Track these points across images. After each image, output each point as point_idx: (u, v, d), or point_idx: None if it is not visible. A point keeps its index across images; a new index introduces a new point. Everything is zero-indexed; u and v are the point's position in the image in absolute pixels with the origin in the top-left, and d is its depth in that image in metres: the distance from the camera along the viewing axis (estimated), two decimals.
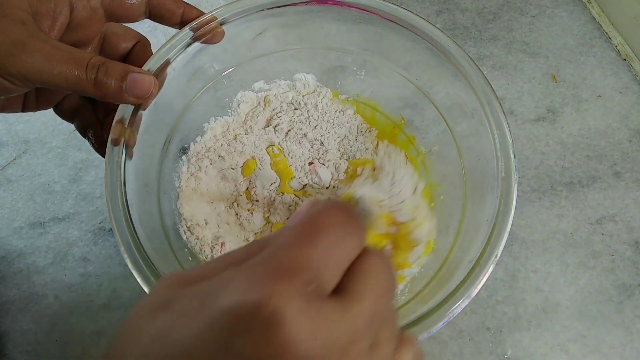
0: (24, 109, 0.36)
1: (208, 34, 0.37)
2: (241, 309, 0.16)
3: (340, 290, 0.19)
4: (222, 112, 0.45)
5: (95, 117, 0.37)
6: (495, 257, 0.31)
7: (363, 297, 0.18)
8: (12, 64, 0.28)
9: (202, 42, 0.38)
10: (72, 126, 0.53)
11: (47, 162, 0.52)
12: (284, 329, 0.16)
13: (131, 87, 0.32)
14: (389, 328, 0.20)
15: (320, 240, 0.19)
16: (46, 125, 0.53)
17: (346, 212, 0.20)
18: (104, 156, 0.36)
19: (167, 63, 0.36)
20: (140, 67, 0.36)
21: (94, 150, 0.50)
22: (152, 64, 0.36)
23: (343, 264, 0.19)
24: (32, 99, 0.36)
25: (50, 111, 0.55)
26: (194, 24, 0.37)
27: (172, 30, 0.37)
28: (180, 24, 0.37)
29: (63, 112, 0.37)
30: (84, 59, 0.30)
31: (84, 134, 0.37)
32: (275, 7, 0.39)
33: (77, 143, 0.53)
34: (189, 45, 0.37)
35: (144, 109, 0.35)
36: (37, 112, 0.52)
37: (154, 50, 0.37)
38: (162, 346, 0.16)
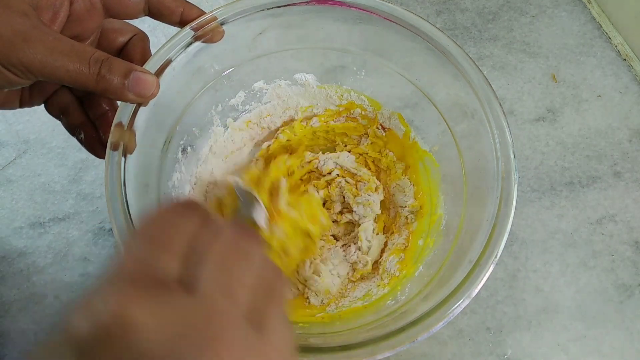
0: (21, 104, 0.36)
1: (208, 34, 0.37)
2: (91, 331, 0.16)
3: (186, 275, 0.19)
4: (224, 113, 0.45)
5: (85, 116, 0.37)
6: (495, 257, 0.31)
7: (203, 272, 0.18)
8: (14, 54, 0.28)
9: (202, 42, 0.38)
10: None
11: (47, 162, 0.52)
12: (132, 336, 0.16)
13: (133, 85, 0.32)
14: (269, 299, 0.20)
15: (152, 233, 0.19)
16: (46, 125, 0.53)
17: (177, 203, 0.21)
18: (94, 154, 0.36)
19: (167, 63, 0.36)
20: (137, 59, 0.36)
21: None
22: (152, 64, 0.36)
23: (180, 248, 0.19)
24: (27, 93, 0.36)
25: None
26: (194, 23, 0.37)
27: (172, 30, 0.37)
28: (180, 23, 0.37)
29: (53, 108, 0.37)
30: (86, 53, 0.30)
31: (72, 132, 0.37)
32: (275, 7, 0.39)
33: (77, 143, 0.52)
34: (189, 45, 0.37)
35: (144, 105, 0.36)
36: (37, 112, 0.51)
37: (153, 50, 0.37)
38: None
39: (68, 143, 0.53)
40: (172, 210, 0.21)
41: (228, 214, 0.42)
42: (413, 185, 0.46)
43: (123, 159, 0.33)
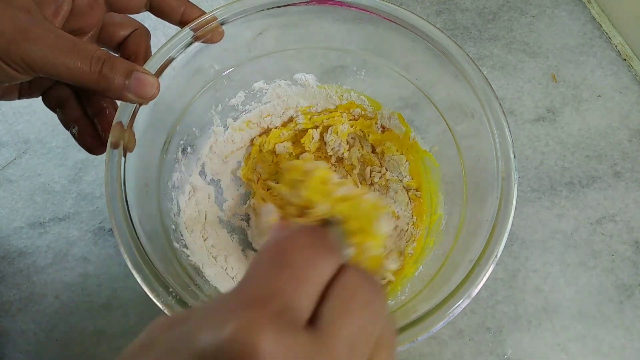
0: (20, 96, 0.36)
1: (208, 34, 0.37)
2: (210, 346, 0.16)
3: (315, 318, 0.18)
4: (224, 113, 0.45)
5: (81, 111, 0.36)
6: (495, 257, 0.31)
7: (339, 322, 0.18)
8: (15, 51, 0.28)
9: (202, 42, 0.38)
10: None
11: (47, 162, 0.52)
12: None
13: (135, 85, 0.32)
14: (385, 349, 0.19)
15: (290, 265, 0.18)
16: (46, 125, 0.53)
17: (315, 233, 0.19)
18: (86, 148, 0.36)
19: (167, 63, 0.36)
20: (138, 56, 0.36)
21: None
22: (152, 64, 0.36)
23: (317, 288, 0.18)
24: (26, 85, 0.36)
25: (51, 111, 0.55)
26: (193, 24, 0.37)
27: (172, 30, 0.37)
28: (181, 23, 0.37)
29: (49, 101, 0.37)
30: (88, 51, 0.30)
31: (66, 125, 0.37)
32: (275, 7, 0.39)
33: (77, 143, 0.53)
34: (189, 45, 0.37)
35: (145, 104, 0.35)
36: (37, 112, 0.52)
37: (154, 49, 0.37)
38: None
39: (68, 143, 0.53)
40: (311, 240, 0.19)
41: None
42: (408, 162, 0.46)
43: (123, 158, 0.33)
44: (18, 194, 0.50)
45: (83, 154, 0.52)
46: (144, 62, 0.36)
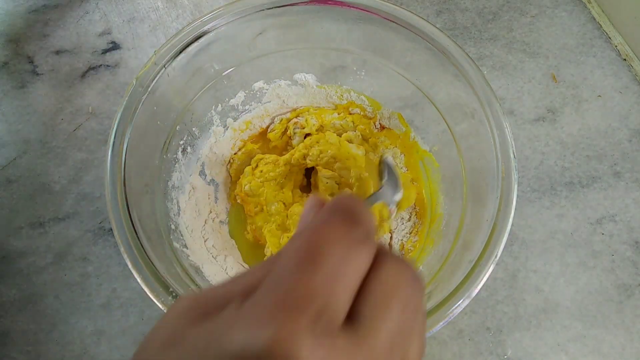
0: None
1: None
2: (249, 353, 0.15)
3: (353, 317, 0.17)
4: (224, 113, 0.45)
5: None
6: (496, 256, 0.31)
7: (378, 325, 0.17)
8: None
9: None
10: (73, 126, 0.53)
11: (47, 162, 0.52)
12: None
13: None
14: (416, 342, 0.18)
15: (325, 262, 0.17)
16: (46, 125, 0.53)
17: (346, 218, 0.18)
18: None
19: (167, 63, 0.36)
20: None
21: (93, 151, 0.50)
22: (151, 64, 0.36)
23: (354, 284, 0.17)
24: None
25: (51, 111, 0.55)
26: (193, 24, 0.37)
27: (172, 30, 0.37)
28: None
29: None
30: None
31: None
32: (275, 7, 0.39)
33: (77, 143, 0.53)
34: (189, 45, 0.37)
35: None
36: (37, 113, 0.52)
37: (153, 50, 0.37)
38: None
39: (68, 143, 0.53)
40: (344, 227, 0.18)
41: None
42: (403, 155, 0.46)
43: (124, 157, 0.34)
44: (18, 194, 0.50)
45: (83, 153, 0.52)
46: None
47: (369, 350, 0.16)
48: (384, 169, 0.34)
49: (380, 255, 0.18)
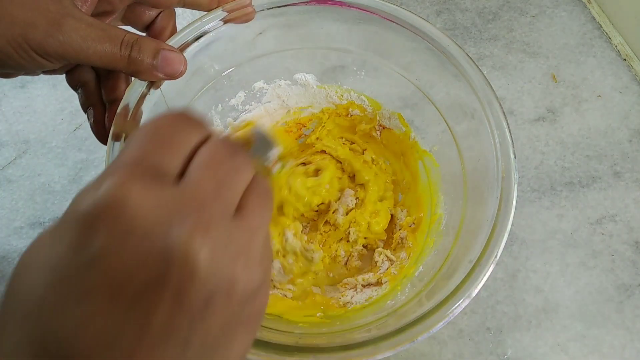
0: (45, 72, 0.36)
1: (241, 17, 0.38)
2: (90, 206, 0.18)
3: (184, 174, 0.20)
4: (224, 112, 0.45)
5: (99, 96, 0.37)
6: (495, 257, 0.31)
7: (202, 175, 0.20)
8: (50, 44, 0.29)
9: (236, 23, 0.38)
10: (72, 126, 0.53)
11: (47, 162, 0.52)
12: (126, 211, 0.18)
13: (162, 64, 0.33)
14: (255, 191, 0.21)
15: (159, 134, 0.20)
16: (46, 125, 0.53)
17: (183, 113, 0.22)
18: (100, 139, 0.36)
19: None
20: (166, 35, 0.37)
21: (93, 151, 0.50)
22: None
23: (183, 149, 0.21)
24: None
25: (51, 111, 0.55)
26: (194, 24, 0.37)
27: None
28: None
29: (72, 81, 0.37)
30: (118, 37, 0.31)
31: (84, 108, 0.37)
32: (275, 7, 0.39)
33: (77, 143, 0.53)
34: (189, 45, 0.37)
35: (157, 88, 0.36)
36: (37, 112, 0.52)
37: None
38: (43, 269, 0.18)
39: (68, 143, 0.53)
40: (180, 117, 0.22)
41: None
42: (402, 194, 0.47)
43: None
44: (18, 194, 0.50)
45: (83, 153, 0.52)
46: None
47: (193, 196, 0.19)
48: (253, 135, 0.35)
49: (209, 138, 0.22)
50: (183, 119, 0.22)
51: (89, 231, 0.18)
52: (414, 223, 0.44)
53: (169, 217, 0.18)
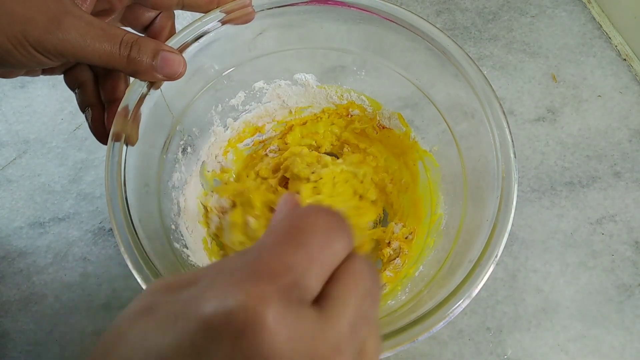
0: (43, 73, 0.37)
1: (241, 17, 0.38)
2: (216, 314, 0.16)
3: (322, 298, 0.18)
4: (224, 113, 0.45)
5: (97, 96, 0.37)
6: (495, 257, 0.31)
7: (345, 303, 0.18)
8: (49, 41, 0.29)
9: (233, 24, 0.38)
10: (73, 126, 0.53)
11: (47, 162, 0.52)
12: (259, 336, 0.15)
13: (162, 65, 0.33)
14: (373, 334, 0.20)
15: (305, 243, 0.18)
16: (46, 125, 0.53)
17: (333, 215, 0.19)
18: (99, 139, 0.36)
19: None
20: (164, 36, 0.37)
21: (93, 151, 0.50)
22: None
23: (327, 269, 0.18)
24: None
25: (51, 111, 0.55)
26: (196, 24, 0.37)
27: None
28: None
29: (70, 80, 0.37)
30: (117, 36, 0.31)
31: (82, 109, 0.37)
32: (275, 7, 0.39)
33: (77, 143, 0.53)
34: (188, 45, 0.37)
35: (157, 88, 0.36)
36: (37, 112, 0.52)
37: None
38: (140, 351, 0.16)
39: (68, 143, 0.53)
40: (333, 222, 0.19)
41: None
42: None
43: (123, 158, 0.33)
44: (18, 194, 0.50)
45: (83, 153, 0.52)
46: None
47: (332, 327, 0.17)
48: None
49: (352, 254, 0.20)
50: (336, 226, 0.19)
51: (212, 335, 0.15)
52: (410, 234, 0.44)
53: (309, 355, 0.16)
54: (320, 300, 0.18)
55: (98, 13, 0.35)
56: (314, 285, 0.18)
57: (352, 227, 0.20)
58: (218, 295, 0.16)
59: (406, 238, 0.44)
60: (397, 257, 0.43)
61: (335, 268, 0.19)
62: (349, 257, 0.19)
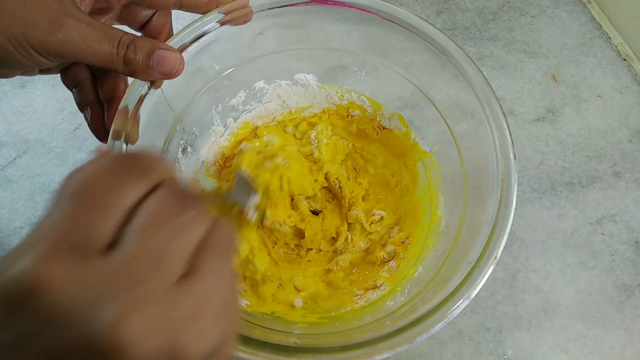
0: (40, 72, 0.37)
1: (239, 18, 0.38)
2: (6, 284, 0.17)
3: (118, 240, 0.18)
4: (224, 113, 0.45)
5: (95, 95, 0.37)
6: (495, 257, 0.31)
7: (139, 242, 0.18)
8: (50, 43, 0.29)
9: (231, 25, 0.38)
10: (72, 126, 0.53)
11: (47, 162, 0.52)
12: (42, 292, 0.16)
13: (158, 63, 0.33)
14: (212, 246, 0.19)
15: (86, 194, 0.18)
16: (46, 125, 0.53)
17: (122, 158, 0.20)
18: (98, 137, 0.36)
19: None
20: (162, 35, 0.37)
21: (93, 151, 0.50)
22: None
23: (117, 212, 0.18)
24: None
25: (51, 111, 0.55)
26: (197, 24, 0.37)
27: (173, 30, 0.37)
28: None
29: (68, 79, 0.37)
30: (116, 37, 0.31)
31: (81, 108, 0.37)
32: (275, 7, 0.39)
33: (77, 143, 0.53)
34: (188, 45, 0.37)
35: (157, 88, 0.36)
36: (37, 112, 0.52)
37: None
38: None
39: (68, 143, 0.53)
40: (118, 164, 0.19)
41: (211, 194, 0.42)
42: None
43: None
44: (18, 194, 0.50)
45: (83, 153, 0.52)
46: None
47: (127, 268, 0.17)
48: (237, 180, 0.36)
49: (156, 187, 0.20)
50: (121, 167, 0.19)
51: (13, 310, 0.16)
52: (407, 239, 0.44)
53: (96, 299, 0.16)
54: (116, 243, 0.18)
55: (95, 11, 0.35)
56: (104, 232, 0.18)
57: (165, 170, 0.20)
58: (6, 266, 0.17)
59: (402, 242, 0.43)
60: (392, 259, 0.43)
61: (134, 207, 0.19)
62: (151, 191, 0.19)
